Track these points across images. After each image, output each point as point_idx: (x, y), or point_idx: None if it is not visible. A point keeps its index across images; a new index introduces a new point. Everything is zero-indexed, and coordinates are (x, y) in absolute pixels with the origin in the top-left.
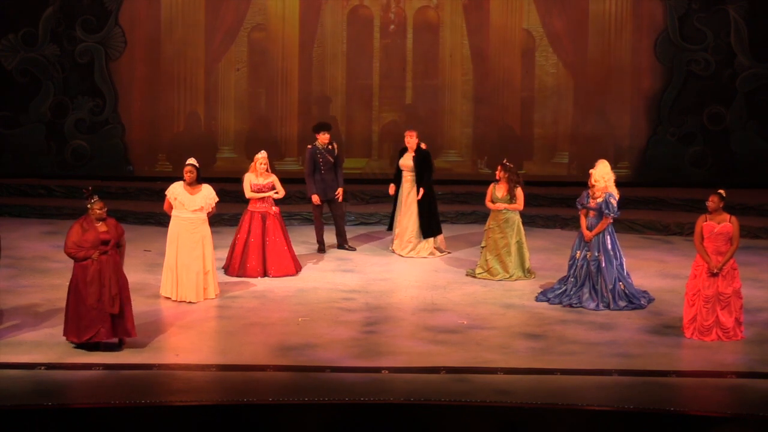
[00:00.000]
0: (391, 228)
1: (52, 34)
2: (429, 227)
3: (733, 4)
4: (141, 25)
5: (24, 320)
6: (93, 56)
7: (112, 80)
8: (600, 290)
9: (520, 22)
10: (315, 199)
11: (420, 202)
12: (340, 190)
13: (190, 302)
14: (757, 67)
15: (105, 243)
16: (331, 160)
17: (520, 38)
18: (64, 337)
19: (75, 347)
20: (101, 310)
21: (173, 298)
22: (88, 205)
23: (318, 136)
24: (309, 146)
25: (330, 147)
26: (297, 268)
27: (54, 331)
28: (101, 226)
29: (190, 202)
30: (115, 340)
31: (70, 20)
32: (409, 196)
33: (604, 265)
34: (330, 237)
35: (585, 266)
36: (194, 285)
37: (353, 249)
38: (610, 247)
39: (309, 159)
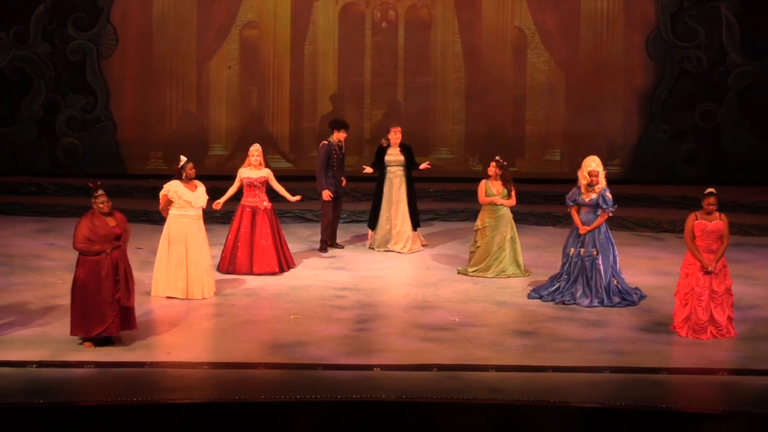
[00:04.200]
0: (373, 226)
1: (43, 32)
2: (417, 218)
3: (725, 2)
4: (133, 22)
5: (16, 318)
6: (85, 54)
7: (103, 78)
8: (594, 286)
9: (511, 19)
10: (326, 194)
11: (409, 195)
12: (343, 180)
13: (204, 298)
14: (749, 65)
15: (117, 237)
16: (341, 156)
17: (512, 36)
18: (71, 334)
19: (80, 343)
20: (114, 304)
21: (182, 297)
22: (93, 199)
23: (335, 133)
24: (324, 142)
25: (341, 144)
26: (284, 266)
27: (46, 329)
28: (110, 221)
29: (195, 200)
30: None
31: (61, 18)
32: (399, 192)
33: (599, 261)
34: (318, 234)
35: (579, 263)
36: (206, 281)
37: (341, 247)
38: (605, 242)
39: (324, 155)
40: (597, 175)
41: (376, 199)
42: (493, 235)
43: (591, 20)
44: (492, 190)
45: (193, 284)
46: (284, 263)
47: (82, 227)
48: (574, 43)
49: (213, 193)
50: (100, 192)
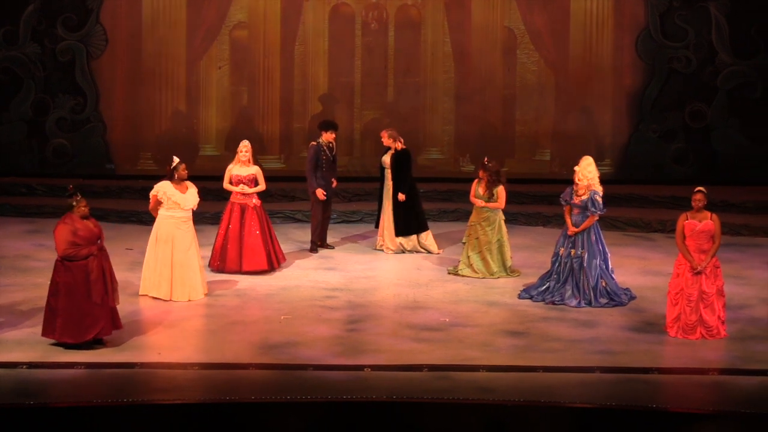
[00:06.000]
0: (378, 225)
1: (33, 33)
2: (404, 225)
3: (714, 2)
4: (122, 23)
5: (6, 319)
6: (74, 54)
7: (93, 78)
8: (582, 287)
9: (501, 19)
10: (320, 193)
11: (393, 201)
12: (334, 181)
13: (190, 300)
14: (738, 65)
15: (98, 238)
16: (331, 158)
17: (502, 36)
18: (55, 340)
19: (66, 347)
20: (105, 306)
21: (165, 299)
22: (74, 203)
23: (324, 134)
24: (313, 143)
25: (330, 145)
26: (273, 263)
27: (36, 330)
28: (88, 222)
29: (184, 202)
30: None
31: (51, 18)
32: (386, 197)
33: (586, 262)
34: (308, 235)
35: (568, 263)
36: (195, 283)
37: (331, 247)
38: (594, 243)
39: (312, 156)
40: (575, 174)
41: (378, 200)
42: (476, 234)
43: (580, 20)
44: (479, 191)
45: (177, 286)
46: (274, 260)
47: (63, 233)
48: (564, 43)
49: (203, 194)
50: (79, 195)
